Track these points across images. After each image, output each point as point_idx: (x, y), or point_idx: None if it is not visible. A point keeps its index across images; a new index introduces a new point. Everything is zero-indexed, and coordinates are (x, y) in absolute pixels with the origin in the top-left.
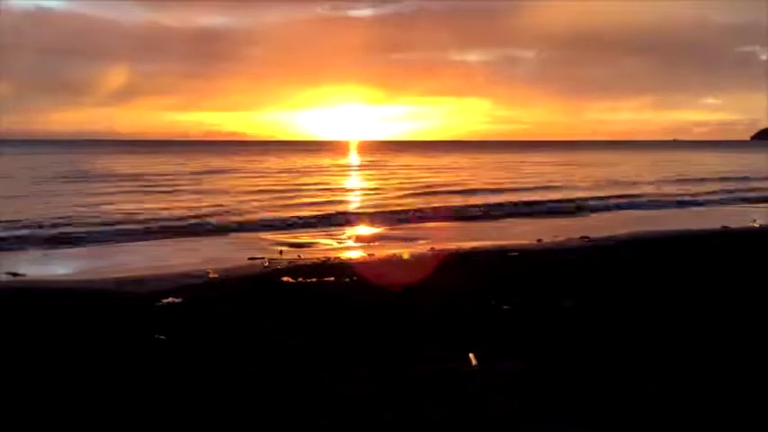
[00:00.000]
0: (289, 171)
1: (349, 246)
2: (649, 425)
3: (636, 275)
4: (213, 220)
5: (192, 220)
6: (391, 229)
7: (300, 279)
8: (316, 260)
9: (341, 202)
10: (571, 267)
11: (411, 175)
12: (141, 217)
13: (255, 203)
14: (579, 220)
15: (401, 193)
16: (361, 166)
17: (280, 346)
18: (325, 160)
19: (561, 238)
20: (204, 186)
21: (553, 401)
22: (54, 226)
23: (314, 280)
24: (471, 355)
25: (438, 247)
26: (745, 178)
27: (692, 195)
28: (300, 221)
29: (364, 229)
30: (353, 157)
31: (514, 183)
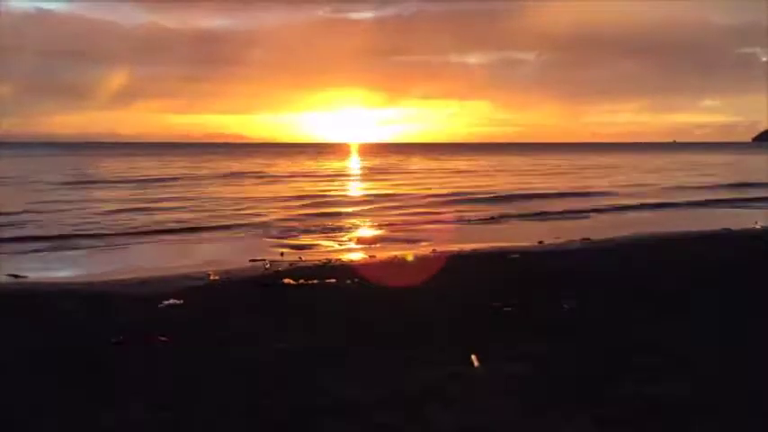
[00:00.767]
0: (313, 175)
1: (350, 247)
2: (654, 426)
3: (637, 277)
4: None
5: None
6: (392, 231)
7: (302, 281)
8: (317, 262)
9: (409, 210)
10: (572, 269)
11: (443, 180)
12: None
13: (327, 214)
14: (581, 221)
15: (450, 198)
16: (383, 170)
17: (281, 348)
18: (338, 164)
19: (562, 240)
20: (248, 192)
21: (556, 403)
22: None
23: (315, 282)
24: (473, 357)
25: (439, 248)
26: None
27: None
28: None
29: (365, 231)
30: (368, 161)
31: (567, 187)
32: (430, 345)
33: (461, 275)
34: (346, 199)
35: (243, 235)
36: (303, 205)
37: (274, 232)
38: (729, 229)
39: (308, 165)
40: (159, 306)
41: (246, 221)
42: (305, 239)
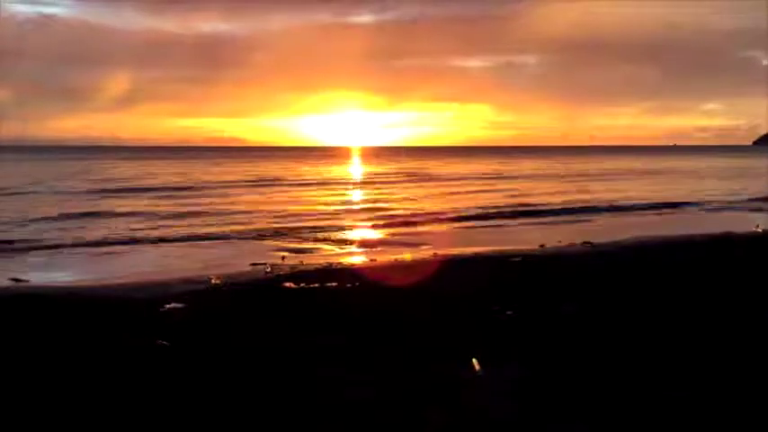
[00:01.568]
0: (347, 181)
1: (351, 251)
2: (653, 430)
3: (638, 281)
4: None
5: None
6: (393, 235)
7: (303, 285)
8: (318, 266)
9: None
10: (573, 273)
11: (503, 186)
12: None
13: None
14: (582, 225)
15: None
16: (419, 175)
17: (281, 351)
18: (362, 168)
19: (564, 244)
20: (293, 204)
21: (556, 407)
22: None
23: (316, 285)
24: (474, 361)
25: (440, 252)
26: None
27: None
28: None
29: (366, 234)
30: (388, 165)
31: (648, 197)
32: (430, 348)
33: (462, 279)
34: (425, 213)
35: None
36: (388, 223)
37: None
38: (730, 233)
39: (329, 169)
40: (160, 310)
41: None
42: (306, 243)
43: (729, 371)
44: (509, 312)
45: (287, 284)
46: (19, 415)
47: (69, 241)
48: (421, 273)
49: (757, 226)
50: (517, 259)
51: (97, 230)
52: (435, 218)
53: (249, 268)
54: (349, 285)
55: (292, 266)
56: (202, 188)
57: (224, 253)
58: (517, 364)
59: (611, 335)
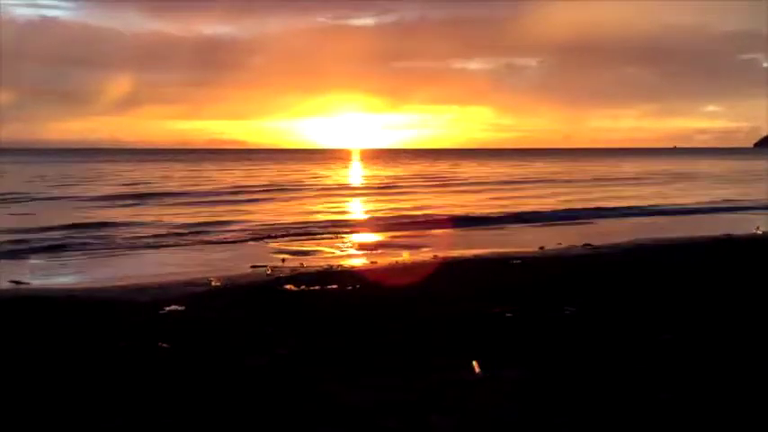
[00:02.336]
0: (388, 186)
1: (352, 254)
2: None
3: (639, 283)
4: None
5: None
6: (394, 237)
7: (303, 287)
8: (318, 268)
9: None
10: (574, 275)
11: (564, 191)
12: None
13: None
14: (582, 227)
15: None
16: (433, 179)
17: (281, 354)
18: (384, 171)
19: (564, 246)
20: (341, 214)
21: (557, 409)
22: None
23: (317, 288)
24: (475, 363)
25: (441, 254)
26: None
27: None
28: None
29: (367, 237)
30: (409, 168)
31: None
32: (430, 351)
33: (462, 281)
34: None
35: None
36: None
37: None
38: (730, 235)
39: (345, 172)
40: (160, 312)
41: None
42: (307, 246)
43: (730, 372)
44: (509, 314)
45: (287, 287)
46: (19, 417)
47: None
48: (421, 275)
49: (757, 228)
50: (517, 261)
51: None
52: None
53: (249, 271)
54: (349, 288)
55: (293, 269)
56: (243, 192)
57: (224, 255)
58: (518, 366)
59: (611, 336)
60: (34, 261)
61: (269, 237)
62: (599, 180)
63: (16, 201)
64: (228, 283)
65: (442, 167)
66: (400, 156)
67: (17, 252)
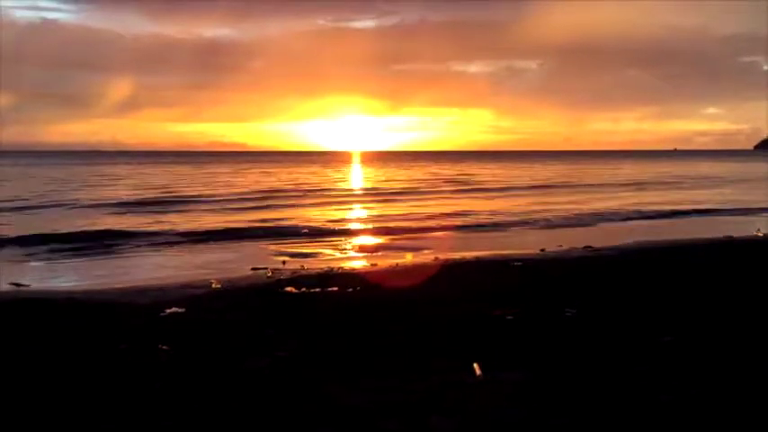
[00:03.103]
0: (407, 192)
1: (352, 256)
2: None
3: (639, 285)
4: None
5: None
6: (395, 239)
7: (303, 289)
8: (319, 270)
9: None
10: (574, 277)
11: (620, 194)
12: None
13: None
14: (583, 229)
15: None
16: (456, 182)
17: (282, 357)
18: (383, 173)
19: (565, 248)
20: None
21: (558, 411)
22: None
23: (317, 290)
24: (476, 366)
25: (442, 256)
26: None
27: None
28: None
29: (367, 239)
30: (429, 171)
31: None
32: (431, 353)
33: (463, 283)
34: None
35: None
36: None
37: None
38: (731, 237)
39: (359, 175)
40: (161, 314)
41: None
42: (307, 248)
43: (731, 374)
44: (510, 316)
45: (288, 289)
46: (19, 419)
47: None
48: (422, 277)
49: (758, 230)
50: (518, 263)
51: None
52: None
53: (250, 273)
54: (350, 290)
55: (293, 271)
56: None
57: (225, 257)
58: (519, 368)
59: (612, 338)
60: (34, 263)
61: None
62: (638, 183)
63: (42, 206)
64: (229, 285)
65: (455, 170)
66: (403, 158)
67: None
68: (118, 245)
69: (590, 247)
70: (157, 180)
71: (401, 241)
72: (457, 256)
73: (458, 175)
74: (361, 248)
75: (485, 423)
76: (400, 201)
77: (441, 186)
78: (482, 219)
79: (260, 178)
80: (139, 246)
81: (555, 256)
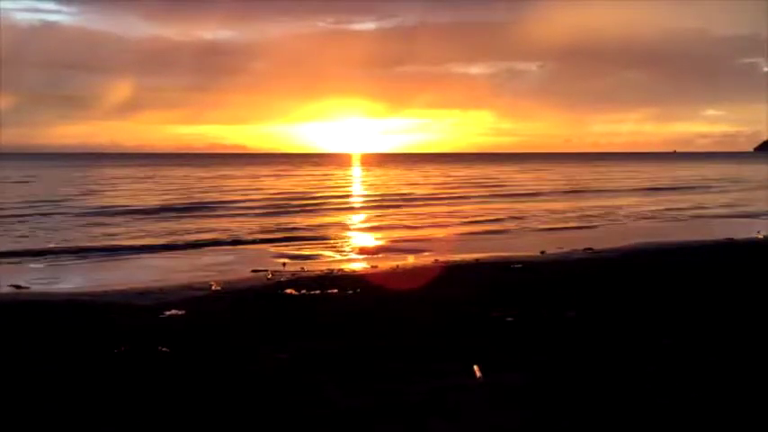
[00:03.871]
0: (451, 198)
1: (352, 258)
2: None
3: (640, 287)
4: None
5: None
6: (395, 242)
7: (303, 291)
8: (319, 272)
9: None
10: (574, 279)
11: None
12: None
13: None
14: (584, 231)
15: None
16: (489, 185)
17: (282, 359)
18: (402, 175)
19: (565, 250)
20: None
21: (558, 414)
22: None
23: (317, 292)
24: (476, 367)
25: (442, 258)
26: None
27: None
28: None
29: (368, 241)
30: (448, 173)
31: None
32: (431, 355)
33: (463, 285)
34: None
35: None
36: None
37: None
38: (732, 239)
39: (379, 180)
40: (161, 316)
41: None
42: (307, 250)
43: (729, 377)
44: (510, 319)
45: (288, 291)
46: (19, 422)
47: None
48: (422, 279)
49: (758, 232)
50: (518, 265)
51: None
52: None
53: (250, 275)
54: (350, 292)
55: (293, 273)
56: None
57: (225, 259)
58: (519, 370)
59: (612, 341)
60: (34, 265)
61: None
62: (672, 188)
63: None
64: (229, 287)
65: (474, 173)
66: (407, 160)
67: None
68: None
69: (590, 249)
70: (204, 184)
71: (402, 243)
72: (457, 258)
73: (483, 178)
74: (362, 251)
75: (484, 426)
76: (455, 204)
77: (474, 190)
78: (566, 217)
79: (293, 181)
80: None
81: (555, 259)
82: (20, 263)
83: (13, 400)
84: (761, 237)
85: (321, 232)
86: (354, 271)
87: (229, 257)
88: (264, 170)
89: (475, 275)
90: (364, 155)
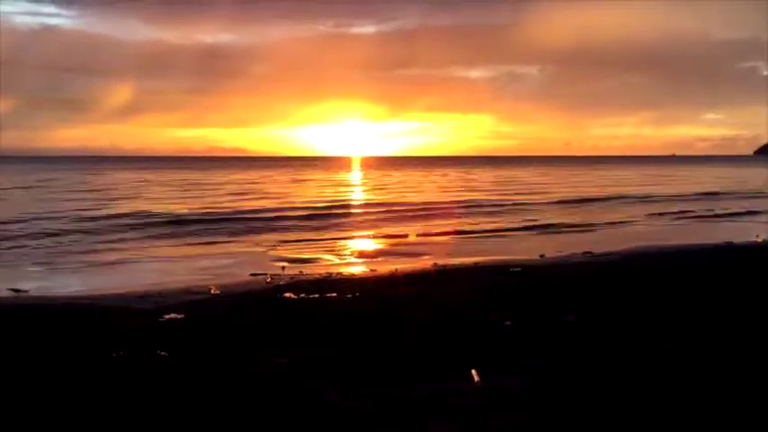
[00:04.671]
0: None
1: (351, 261)
2: None
3: (639, 291)
4: None
5: None
6: (394, 245)
7: (302, 295)
8: (318, 276)
9: None
10: (573, 282)
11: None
12: None
13: None
14: (583, 235)
15: None
16: (527, 191)
17: (281, 363)
18: (421, 178)
19: (564, 254)
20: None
21: (558, 419)
22: None
23: (316, 296)
24: (473, 372)
25: (440, 262)
26: None
27: None
28: None
29: (367, 245)
30: (468, 176)
31: None
32: (430, 359)
33: (462, 289)
34: None
35: None
36: None
37: None
38: (731, 242)
39: (403, 183)
40: (160, 320)
41: None
42: (306, 253)
43: (730, 381)
44: (509, 322)
45: (287, 295)
46: (19, 425)
47: None
48: (421, 283)
49: (757, 236)
50: (517, 269)
51: None
52: None
53: (249, 278)
54: (349, 296)
55: (292, 276)
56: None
57: (224, 262)
58: (517, 374)
59: (611, 345)
60: (33, 268)
61: None
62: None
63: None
64: (228, 290)
65: (494, 176)
66: (409, 163)
67: None
68: None
69: (590, 252)
70: (259, 186)
71: (401, 247)
72: (456, 261)
73: (505, 181)
74: (361, 254)
75: (483, 430)
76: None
77: (529, 197)
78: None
79: (336, 188)
80: None
81: (554, 262)
82: (19, 266)
83: (13, 403)
84: (760, 240)
85: None
86: (353, 275)
87: (228, 260)
88: (278, 174)
89: (474, 279)
90: (364, 158)
